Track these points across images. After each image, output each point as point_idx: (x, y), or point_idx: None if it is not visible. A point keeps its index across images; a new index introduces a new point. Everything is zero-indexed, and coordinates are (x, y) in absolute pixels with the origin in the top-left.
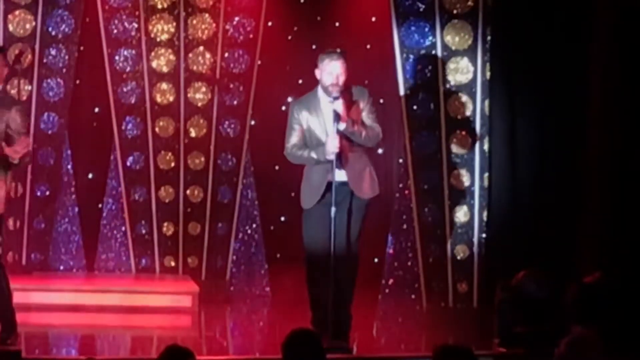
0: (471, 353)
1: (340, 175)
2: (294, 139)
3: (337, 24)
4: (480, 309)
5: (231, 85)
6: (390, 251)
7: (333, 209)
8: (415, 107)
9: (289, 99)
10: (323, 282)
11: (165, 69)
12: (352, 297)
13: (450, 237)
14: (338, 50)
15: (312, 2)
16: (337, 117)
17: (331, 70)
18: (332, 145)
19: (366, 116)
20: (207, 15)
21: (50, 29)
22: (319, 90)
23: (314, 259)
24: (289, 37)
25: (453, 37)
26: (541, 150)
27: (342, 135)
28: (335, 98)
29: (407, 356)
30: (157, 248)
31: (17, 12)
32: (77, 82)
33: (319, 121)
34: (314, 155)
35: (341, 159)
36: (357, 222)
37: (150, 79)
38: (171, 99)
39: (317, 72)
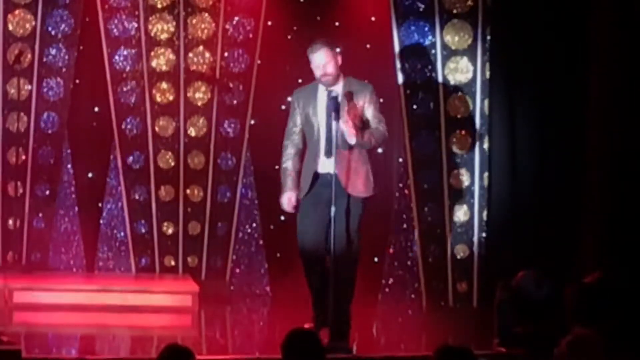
0: (471, 354)
1: (328, 167)
2: (292, 129)
3: (337, 24)
4: (480, 308)
5: (231, 85)
6: (390, 251)
7: (333, 209)
8: (415, 107)
9: (289, 99)
10: (316, 276)
11: (165, 69)
12: (352, 297)
13: (450, 237)
14: (320, 40)
15: (312, 1)
16: (337, 115)
17: (318, 64)
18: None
19: (371, 115)
20: (206, 14)
21: (50, 29)
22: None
23: (304, 252)
24: (289, 37)
25: (453, 37)
26: (541, 150)
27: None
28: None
29: (407, 356)
30: (157, 247)
31: (16, 12)
32: (77, 81)
33: (313, 105)
34: (288, 179)
35: (335, 153)
36: (354, 220)
37: (150, 79)
38: (171, 98)
39: (312, 68)
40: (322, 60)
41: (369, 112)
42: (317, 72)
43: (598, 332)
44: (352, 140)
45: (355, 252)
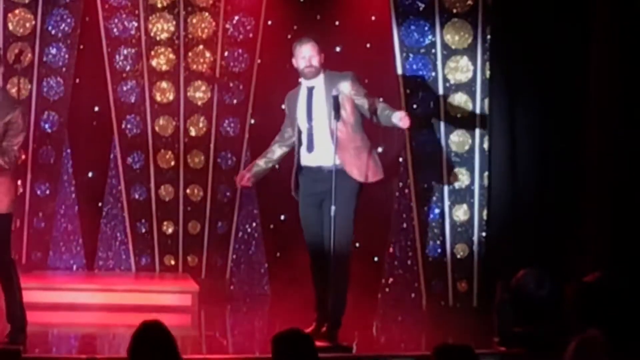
0: (471, 351)
1: (311, 160)
2: (282, 128)
3: (336, 23)
4: (480, 308)
5: (231, 84)
6: (390, 251)
7: (333, 208)
8: (415, 106)
9: None
10: (318, 270)
11: (165, 68)
12: (345, 295)
13: (450, 236)
14: (307, 36)
15: (312, 1)
16: (337, 115)
17: (303, 55)
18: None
19: (363, 99)
20: (206, 14)
21: (50, 28)
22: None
23: (308, 245)
24: (289, 36)
25: (453, 36)
26: (541, 149)
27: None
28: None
29: (407, 356)
30: (157, 247)
31: (17, 11)
32: (77, 81)
33: (294, 103)
34: (254, 163)
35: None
36: (347, 207)
37: (150, 78)
38: (171, 97)
39: (294, 62)
40: (308, 52)
41: (360, 98)
42: (302, 64)
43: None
44: (404, 122)
45: (345, 249)
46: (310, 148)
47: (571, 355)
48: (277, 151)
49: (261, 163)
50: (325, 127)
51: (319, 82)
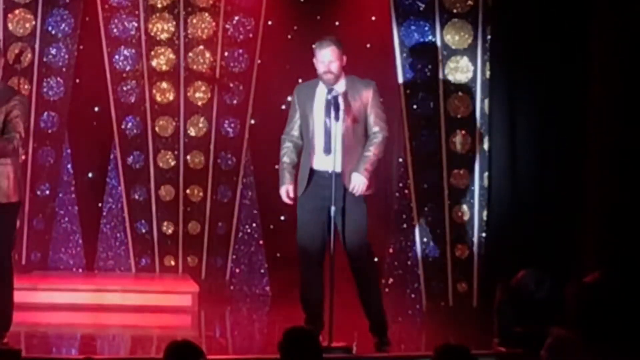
0: (468, 352)
1: (324, 164)
2: (290, 125)
3: (337, 23)
4: (480, 308)
5: (231, 85)
6: (390, 251)
7: (333, 208)
8: (415, 107)
9: (289, 98)
10: (314, 279)
11: (165, 68)
12: (380, 296)
13: (450, 237)
14: (329, 38)
15: (312, 1)
16: (337, 115)
17: (322, 59)
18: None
19: (373, 116)
20: (206, 14)
21: (50, 28)
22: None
23: (304, 253)
24: (289, 36)
25: (453, 36)
26: (541, 150)
27: (347, 128)
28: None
29: (407, 356)
30: (157, 247)
31: (17, 11)
32: (77, 81)
33: (310, 102)
34: (285, 172)
35: (341, 151)
36: (359, 217)
37: (150, 78)
38: (171, 98)
39: (315, 62)
40: (328, 57)
41: (372, 113)
42: (321, 68)
43: (598, 333)
44: (358, 189)
45: (366, 251)
46: (327, 151)
47: (546, 355)
48: (295, 150)
49: (291, 169)
50: (339, 132)
51: (340, 88)
